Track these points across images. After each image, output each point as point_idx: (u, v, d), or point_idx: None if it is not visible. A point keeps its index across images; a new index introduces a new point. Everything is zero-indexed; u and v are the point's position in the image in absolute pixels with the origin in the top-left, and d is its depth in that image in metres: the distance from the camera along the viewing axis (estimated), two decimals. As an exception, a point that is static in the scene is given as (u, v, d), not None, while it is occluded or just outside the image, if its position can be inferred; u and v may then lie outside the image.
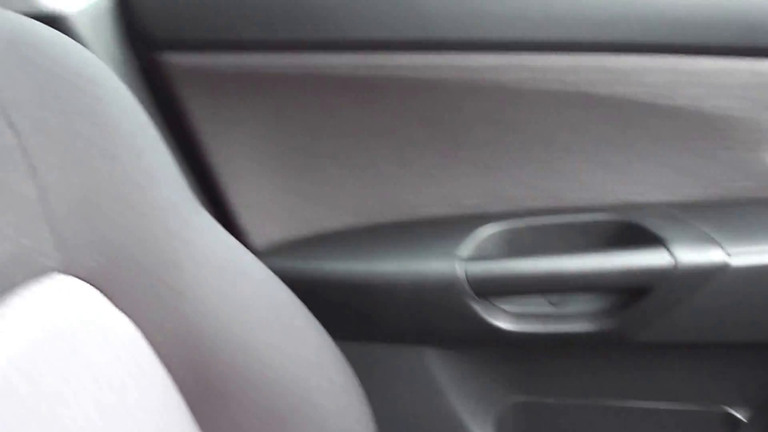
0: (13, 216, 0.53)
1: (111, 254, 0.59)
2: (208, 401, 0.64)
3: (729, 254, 0.75)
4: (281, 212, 0.88)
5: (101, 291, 0.58)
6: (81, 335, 0.55)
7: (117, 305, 0.59)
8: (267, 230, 0.88)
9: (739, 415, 0.87)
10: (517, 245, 0.82)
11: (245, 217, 0.87)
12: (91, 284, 0.58)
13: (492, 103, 0.77)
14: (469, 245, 0.81)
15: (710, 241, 0.76)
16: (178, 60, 0.77)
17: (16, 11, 0.74)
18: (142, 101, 0.76)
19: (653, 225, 0.78)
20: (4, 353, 0.49)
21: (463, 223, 0.83)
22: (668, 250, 0.76)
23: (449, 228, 0.83)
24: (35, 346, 0.51)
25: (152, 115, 0.80)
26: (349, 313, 0.84)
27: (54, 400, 0.51)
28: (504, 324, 0.81)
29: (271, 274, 0.71)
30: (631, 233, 0.79)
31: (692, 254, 0.75)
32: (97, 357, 0.55)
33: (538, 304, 0.82)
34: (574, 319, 0.81)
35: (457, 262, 0.79)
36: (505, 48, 0.74)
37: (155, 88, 0.80)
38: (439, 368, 0.87)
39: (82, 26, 0.75)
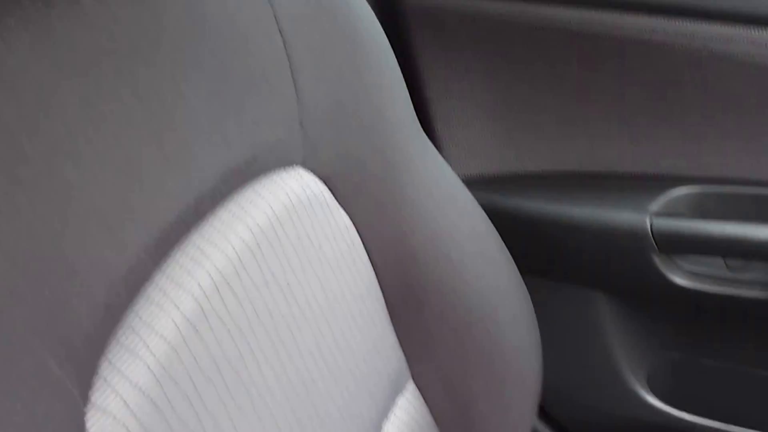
0: (275, 108, 0.57)
1: (344, 157, 0.63)
2: (405, 303, 0.68)
3: None
4: (483, 149, 0.90)
5: (329, 188, 0.62)
6: (311, 220, 0.59)
7: (340, 202, 0.63)
8: (467, 164, 0.91)
9: None
10: (707, 210, 0.81)
11: (448, 149, 0.90)
12: (322, 180, 0.62)
13: (713, 74, 0.76)
14: (660, 202, 0.81)
15: None
16: None
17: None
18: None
19: None
20: (256, 224, 0.53)
21: (657, 182, 0.82)
22: None
23: (643, 184, 0.83)
24: (278, 220, 0.55)
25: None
26: (534, 250, 0.86)
27: (291, 267, 0.55)
28: (680, 280, 0.81)
29: (473, 199, 0.74)
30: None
31: None
32: (322, 240, 0.60)
33: (716, 267, 0.81)
34: (751, 285, 0.79)
35: (648, 215, 0.79)
36: (735, 20, 0.72)
37: (389, 20, 0.83)
38: (607, 313, 0.88)
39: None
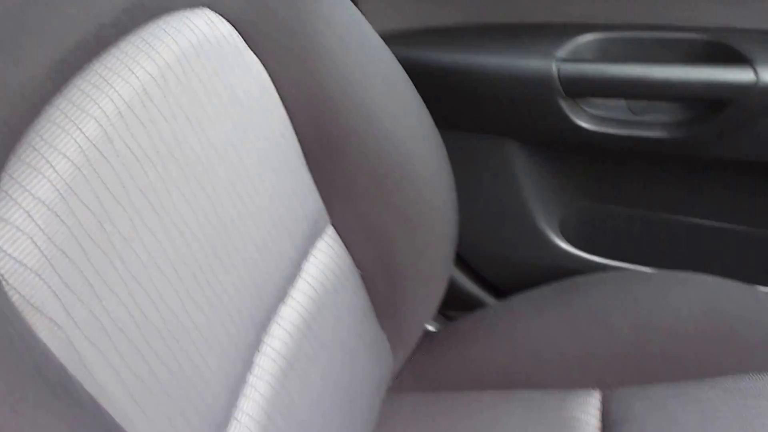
0: None
1: (252, 1, 0.63)
2: (321, 149, 0.69)
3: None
4: (398, 4, 0.89)
5: (239, 31, 0.62)
6: (221, 60, 0.59)
7: (251, 47, 0.63)
8: (383, 19, 0.90)
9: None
10: (612, 54, 0.83)
11: (363, 4, 0.90)
12: (231, 24, 0.61)
13: None
14: (567, 49, 0.82)
15: None
16: None
17: None
18: None
19: (742, 47, 0.78)
20: (161, 57, 0.53)
21: (564, 30, 0.84)
22: (753, 68, 0.76)
23: (551, 33, 0.84)
24: (185, 56, 0.55)
25: None
26: (447, 102, 0.87)
27: (200, 103, 0.55)
28: (586, 124, 0.83)
29: (388, 50, 0.74)
30: (721, 53, 0.79)
31: None
32: (232, 81, 0.60)
33: (620, 110, 0.84)
34: (652, 126, 0.82)
35: (554, 61, 0.80)
36: None
37: None
38: (519, 162, 0.90)
39: None
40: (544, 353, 0.80)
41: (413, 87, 0.76)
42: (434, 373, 0.83)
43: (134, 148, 0.49)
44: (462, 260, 0.99)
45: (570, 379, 0.78)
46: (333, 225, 0.72)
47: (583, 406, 0.76)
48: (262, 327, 0.60)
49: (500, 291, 1.00)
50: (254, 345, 0.59)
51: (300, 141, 0.67)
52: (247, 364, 0.58)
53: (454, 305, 0.98)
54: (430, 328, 0.92)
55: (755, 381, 0.72)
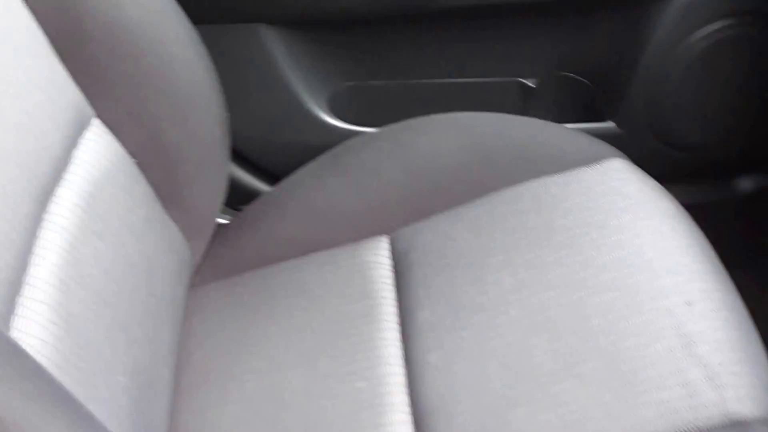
0: None
1: None
2: (69, 39, 0.70)
3: None
4: None
5: None
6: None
7: None
8: None
9: (529, 83, 0.99)
10: None
11: None
12: None
13: None
14: None
15: None
16: None
17: None
18: None
19: None
20: None
21: None
22: None
23: None
24: None
25: None
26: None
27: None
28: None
29: None
30: None
31: None
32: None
33: None
34: None
35: None
36: None
37: None
38: (277, 46, 0.94)
39: None
40: (331, 215, 0.85)
41: None
42: (232, 260, 0.86)
43: None
44: (240, 155, 1.02)
45: (359, 232, 0.83)
46: (98, 116, 0.73)
47: (374, 250, 0.82)
48: (40, 204, 0.61)
49: (281, 178, 1.04)
50: (35, 219, 0.60)
51: (45, 31, 0.68)
52: (31, 235, 0.59)
53: (242, 200, 1.02)
54: (223, 221, 0.95)
55: (512, 191, 0.81)
